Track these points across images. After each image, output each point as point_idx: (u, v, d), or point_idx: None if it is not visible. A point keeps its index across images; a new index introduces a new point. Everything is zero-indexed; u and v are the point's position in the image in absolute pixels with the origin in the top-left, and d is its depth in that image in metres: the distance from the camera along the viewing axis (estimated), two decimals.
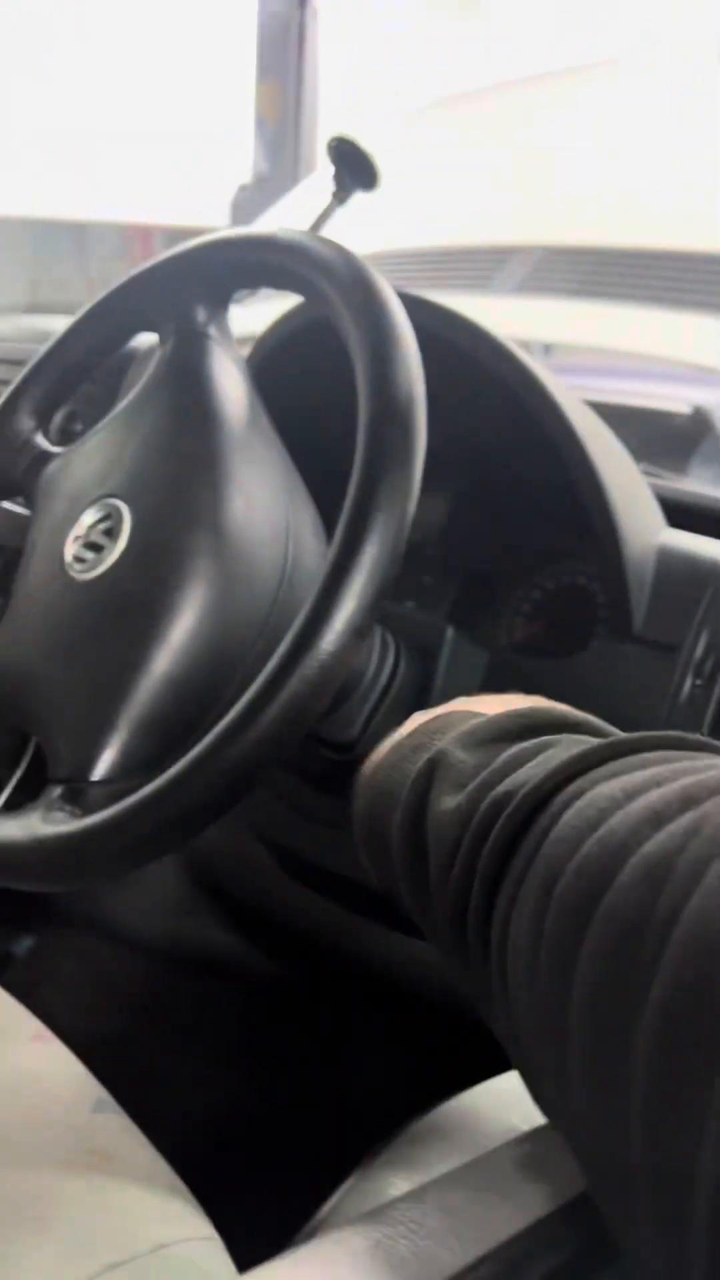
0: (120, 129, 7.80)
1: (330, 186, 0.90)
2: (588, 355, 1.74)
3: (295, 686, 0.46)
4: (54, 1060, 0.66)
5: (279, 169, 5.27)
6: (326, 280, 0.55)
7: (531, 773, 0.40)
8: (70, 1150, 0.59)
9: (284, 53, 5.04)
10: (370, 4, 7.31)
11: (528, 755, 0.43)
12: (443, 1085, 0.66)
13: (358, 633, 0.47)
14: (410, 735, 0.54)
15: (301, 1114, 0.92)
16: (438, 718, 0.54)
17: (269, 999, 1.10)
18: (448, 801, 0.44)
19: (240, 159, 6.11)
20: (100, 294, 0.68)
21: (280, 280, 0.60)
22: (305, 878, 0.84)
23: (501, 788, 0.41)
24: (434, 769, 0.47)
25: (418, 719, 0.56)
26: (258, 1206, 0.65)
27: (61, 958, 1.33)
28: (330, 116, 5.83)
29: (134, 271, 0.66)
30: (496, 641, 0.79)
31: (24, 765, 0.95)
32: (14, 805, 0.58)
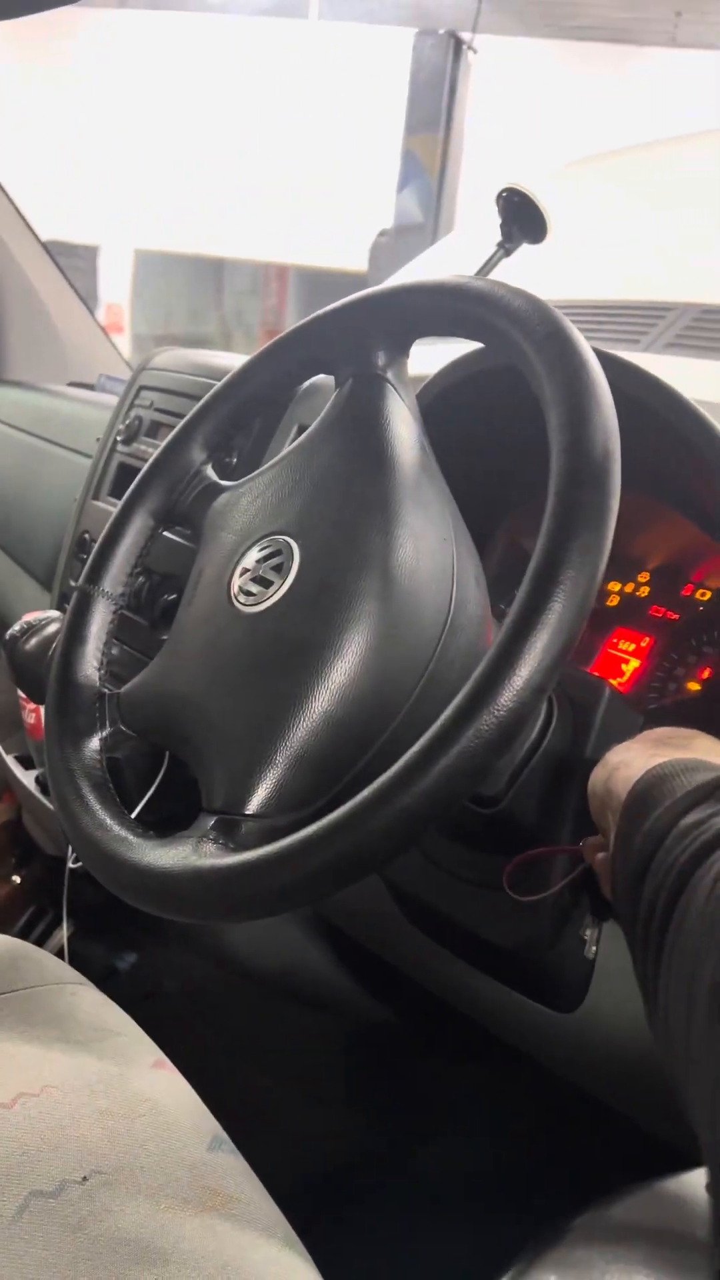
0: (266, 171, 8.07)
1: (476, 236, 0.90)
2: None
3: (470, 741, 0.45)
4: (173, 1090, 0.66)
5: (423, 218, 5.37)
6: (519, 331, 0.55)
7: None
8: (189, 1187, 0.58)
9: (436, 102, 5.15)
10: (521, 59, 7.42)
11: None
12: (564, 1162, 0.63)
13: (538, 692, 0.45)
14: (680, 761, 0.53)
15: (416, 1172, 0.90)
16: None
17: (378, 1044, 1.08)
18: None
19: (378, 206, 6.25)
20: (281, 333, 0.70)
21: (469, 329, 0.60)
22: (428, 926, 0.83)
23: None
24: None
25: (672, 738, 0.57)
26: (368, 1265, 0.63)
27: (163, 976, 1.34)
28: (473, 169, 5.92)
29: (316, 313, 0.67)
30: (647, 704, 0.77)
31: (155, 786, 0.96)
32: (144, 826, 0.58)
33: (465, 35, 5.48)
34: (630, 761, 0.55)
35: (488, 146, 6.16)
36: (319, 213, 7.84)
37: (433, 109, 5.06)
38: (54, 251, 1.81)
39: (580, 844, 0.63)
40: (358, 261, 5.89)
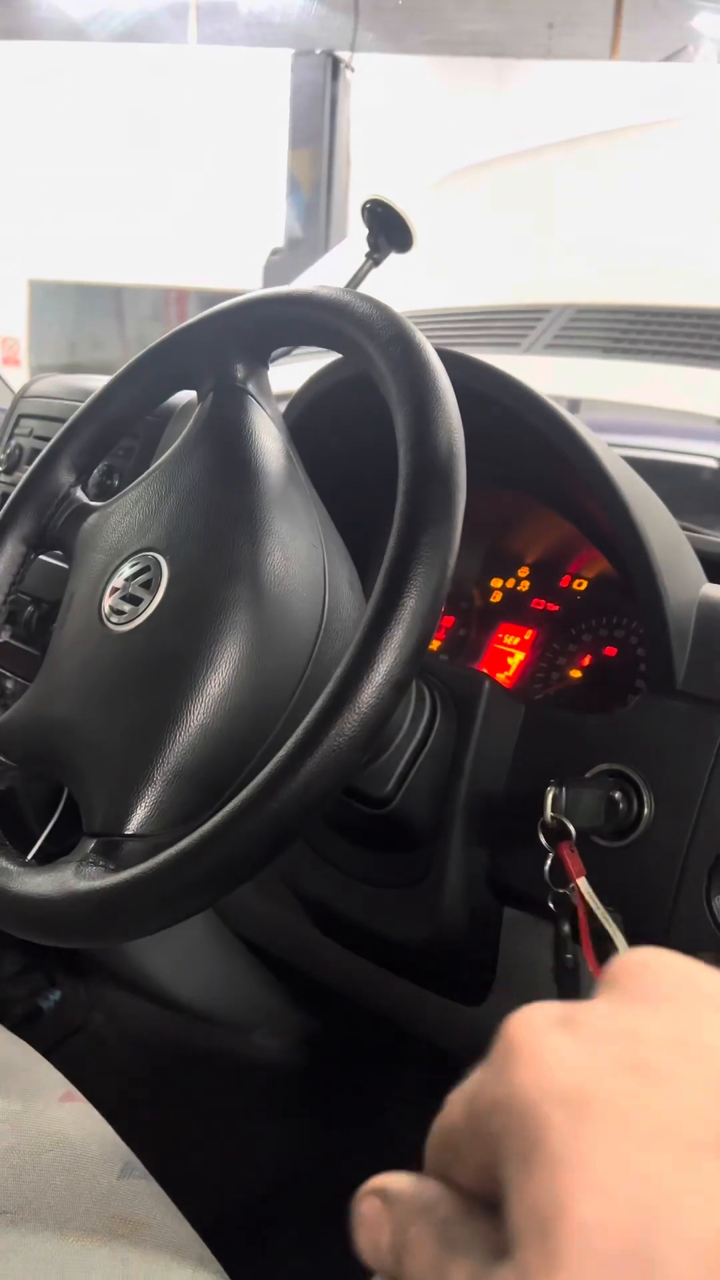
0: (156, 196, 8.04)
1: (363, 250, 0.91)
2: (613, 411, 1.76)
3: (333, 741, 0.45)
4: (82, 1121, 0.65)
5: (311, 233, 5.42)
6: (365, 336, 0.56)
7: None
8: (96, 1217, 0.57)
9: (318, 120, 5.22)
10: (398, 76, 7.54)
11: None
12: None
13: (398, 687, 0.46)
14: None
15: (337, 1183, 0.89)
16: None
17: (304, 1057, 1.07)
18: None
19: (271, 224, 6.29)
20: (139, 352, 0.70)
21: (319, 336, 0.60)
22: (336, 932, 0.83)
23: None
24: None
25: None
26: None
27: (89, 1011, 1.31)
28: (358, 183, 5.99)
29: (174, 330, 0.68)
30: (532, 694, 0.79)
31: (55, 817, 0.95)
32: (48, 858, 0.58)
33: (344, 54, 5.56)
34: None
35: (373, 160, 6.25)
36: (213, 234, 7.84)
37: (315, 126, 5.12)
38: None
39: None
40: (254, 281, 5.92)
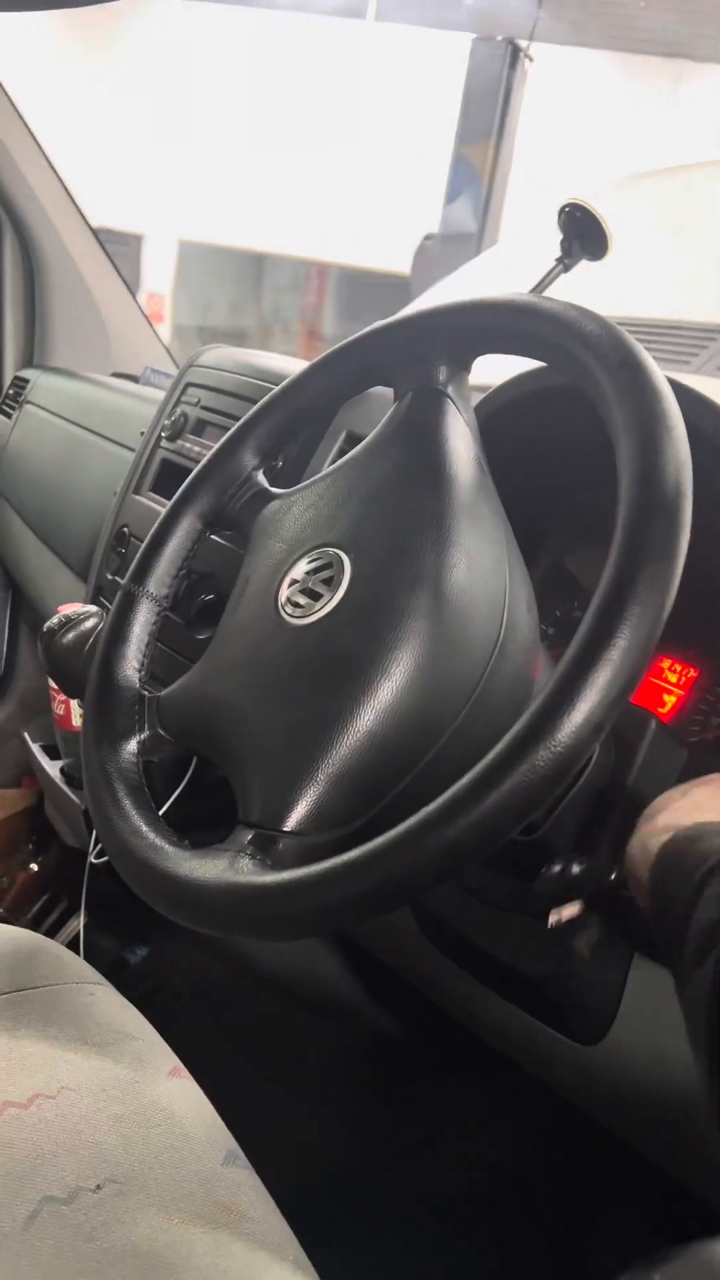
0: (311, 169, 8.07)
1: (523, 247, 0.89)
2: None
3: (523, 775, 0.44)
4: (189, 1100, 0.65)
5: (467, 224, 5.35)
6: (591, 356, 0.54)
7: None
8: (201, 1202, 0.57)
9: (490, 109, 5.12)
10: (577, 71, 7.39)
11: None
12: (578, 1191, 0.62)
13: (597, 729, 0.44)
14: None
15: (419, 1190, 0.89)
16: None
17: (388, 1057, 1.07)
18: None
19: (425, 210, 6.24)
20: (339, 342, 0.69)
21: (538, 349, 0.59)
22: (450, 949, 0.82)
23: None
24: None
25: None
26: None
27: (172, 971, 1.34)
28: (522, 176, 5.90)
29: (378, 324, 0.66)
30: (687, 737, 0.76)
31: (180, 788, 0.96)
32: (180, 829, 0.57)
33: (522, 43, 5.46)
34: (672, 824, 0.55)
35: (538, 157, 6.14)
36: (363, 213, 7.83)
37: (487, 116, 5.03)
38: (101, 239, 1.81)
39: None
40: (399, 264, 5.88)
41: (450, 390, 0.63)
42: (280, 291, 9.36)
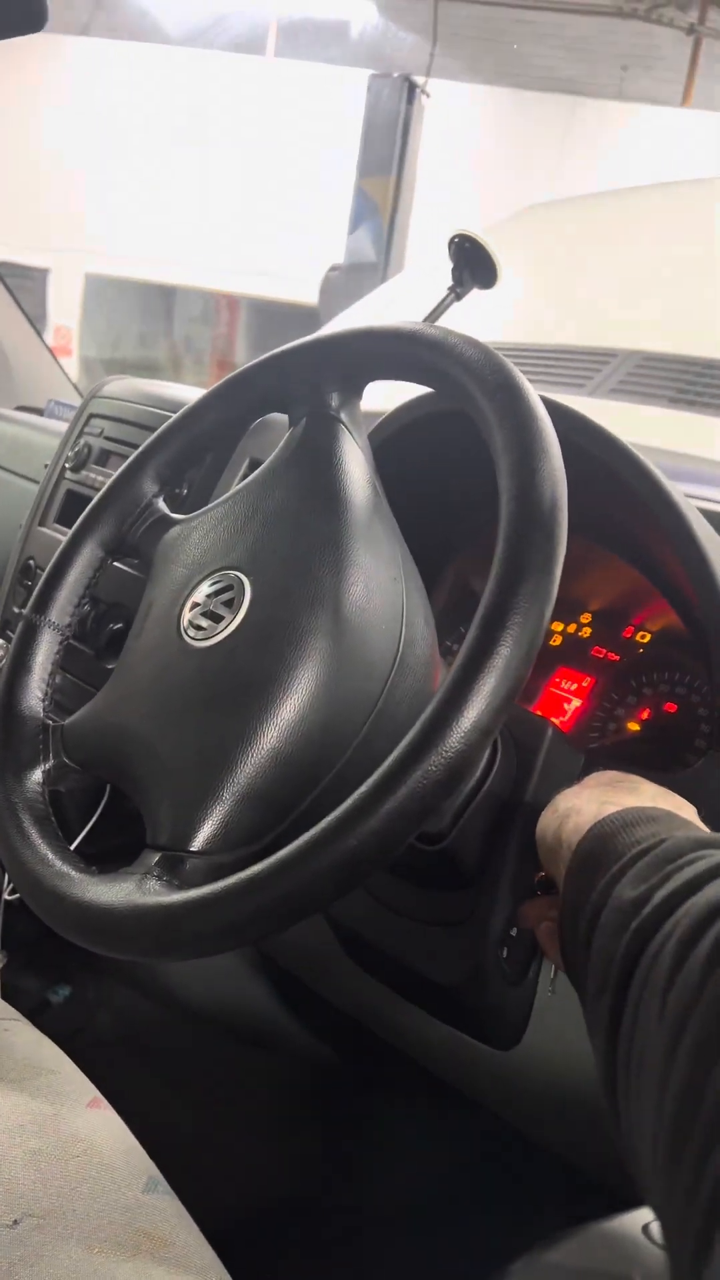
0: (216, 202, 8.11)
1: (424, 277, 0.92)
2: (670, 459, 1.75)
3: (418, 782, 0.45)
4: (109, 1130, 0.65)
5: (371, 255, 5.45)
6: (471, 380, 0.56)
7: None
8: (122, 1230, 0.57)
9: (389, 143, 5.25)
10: (470, 108, 7.59)
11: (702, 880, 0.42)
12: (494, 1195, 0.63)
13: (485, 734, 0.46)
14: (625, 814, 0.52)
15: (347, 1210, 0.89)
16: (650, 804, 0.54)
17: (315, 1079, 1.07)
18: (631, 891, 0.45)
19: (331, 241, 6.33)
20: (234, 371, 0.70)
21: (421, 375, 0.61)
22: (366, 962, 0.83)
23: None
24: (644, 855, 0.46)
25: (621, 781, 0.58)
26: None
27: (97, 1009, 1.31)
28: (420, 208, 6.03)
29: (271, 353, 0.68)
30: (588, 742, 0.78)
31: (94, 818, 0.95)
32: (87, 859, 0.58)
33: (419, 79, 5.60)
34: (580, 809, 0.55)
35: (437, 189, 6.28)
36: (271, 245, 7.90)
37: (386, 150, 5.15)
38: (3, 273, 1.80)
39: (521, 910, 0.64)
40: (307, 295, 5.95)
41: (343, 415, 0.65)
42: (192, 323, 9.37)
